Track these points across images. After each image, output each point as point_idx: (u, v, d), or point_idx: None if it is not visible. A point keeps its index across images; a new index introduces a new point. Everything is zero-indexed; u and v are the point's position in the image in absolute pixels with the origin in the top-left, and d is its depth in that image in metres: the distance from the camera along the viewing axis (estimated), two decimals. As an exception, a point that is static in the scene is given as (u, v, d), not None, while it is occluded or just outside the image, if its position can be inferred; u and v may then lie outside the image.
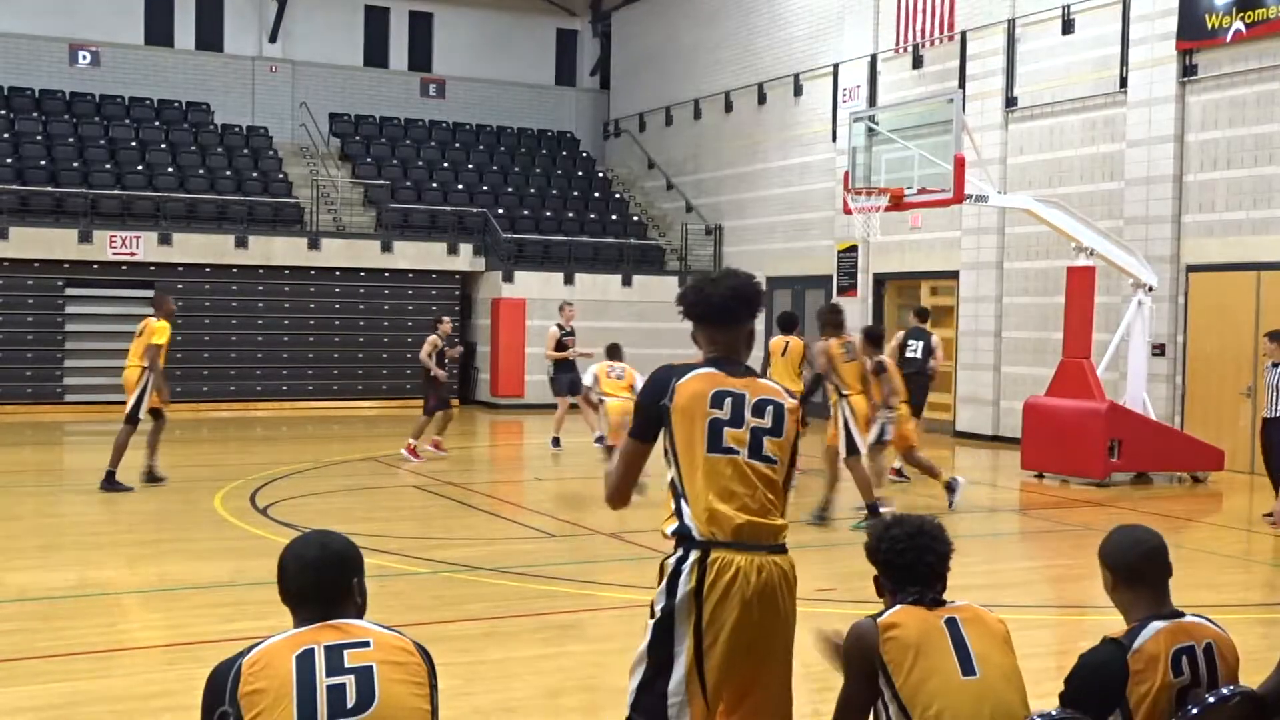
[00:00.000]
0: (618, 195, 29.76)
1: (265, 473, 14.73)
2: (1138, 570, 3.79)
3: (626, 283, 25.80)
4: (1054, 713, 3.56)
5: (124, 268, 22.88)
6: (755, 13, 26.12)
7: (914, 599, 3.65)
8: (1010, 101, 19.97)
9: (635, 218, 28.83)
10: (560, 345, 17.87)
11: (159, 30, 28.58)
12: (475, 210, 26.49)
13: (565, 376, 17.86)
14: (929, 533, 3.75)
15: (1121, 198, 18.07)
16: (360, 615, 3.21)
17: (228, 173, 25.74)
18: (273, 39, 29.37)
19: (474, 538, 11.23)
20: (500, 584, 9.21)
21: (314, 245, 24.24)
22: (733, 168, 26.75)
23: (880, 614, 3.63)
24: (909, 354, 15.50)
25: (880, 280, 22.89)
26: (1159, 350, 17.09)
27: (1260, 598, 9.82)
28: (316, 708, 2.93)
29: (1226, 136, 16.83)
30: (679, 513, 3.87)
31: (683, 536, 3.85)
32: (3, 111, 25.99)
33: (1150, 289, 15.88)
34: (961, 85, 20.00)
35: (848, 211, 16.55)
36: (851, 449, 11.49)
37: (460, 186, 27.74)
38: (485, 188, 27.96)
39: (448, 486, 14.23)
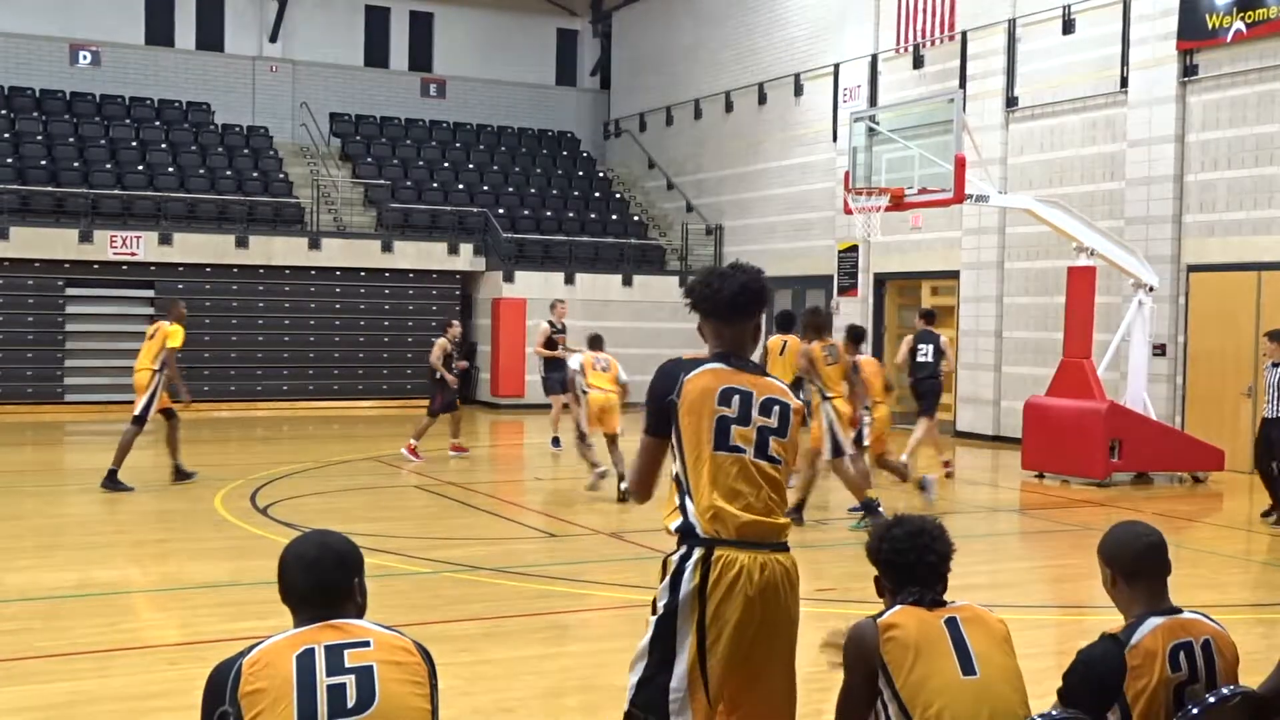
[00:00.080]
0: (618, 195, 29.76)
1: (266, 472, 14.73)
2: (1136, 567, 3.80)
3: (627, 283, 25.80)
4: (1054, 713, 3.57)
5: (124, 268, 22.89)
6: (756, 12, 26.12)
7: (914, 599, 3.65)
8: (1011, 101, 19.97)
9: (636, 217, 28.84)
10: (550, 342, 17.79)
11: (159, 30, 28.59)
12: (476, 210, 26.50)
13: (557, 375, 17.84)
14: (930, 533, 3.75)
15: (1122, 198, 18.07)
16: (360, 615, 3.21)
17: (228, 173, 25.74)
18: (273, 39, 29.38)
19: (474, 538, 11.22)
20: (500, 584, 9.21)
21: (314, 245, 24.25)
22: (733, 167, 26.75)
23: (880, 614, 3.64)
24: (920, 358, 15.46)
25: (881, 280, 22.89)
26: (1159, 350, 17.09)
27: (1260, 598, 9.82)
28: (317, 707, 2.93)
29: (1227, 136, 16.83)
30: (683, 509, 3.88)
31: (686, 533, 3.86)
32: (3, 111, 26.00)
33: (1151, 289, 15.88)
34: (962, 85, 20.01)
35: (848, 211, 16.56)
36: (836, 451, 11.47)
37: (461, 186, 27.75)
38: (486, 188, 27.96)
39: (448, 486, 14.23)
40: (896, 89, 21.99)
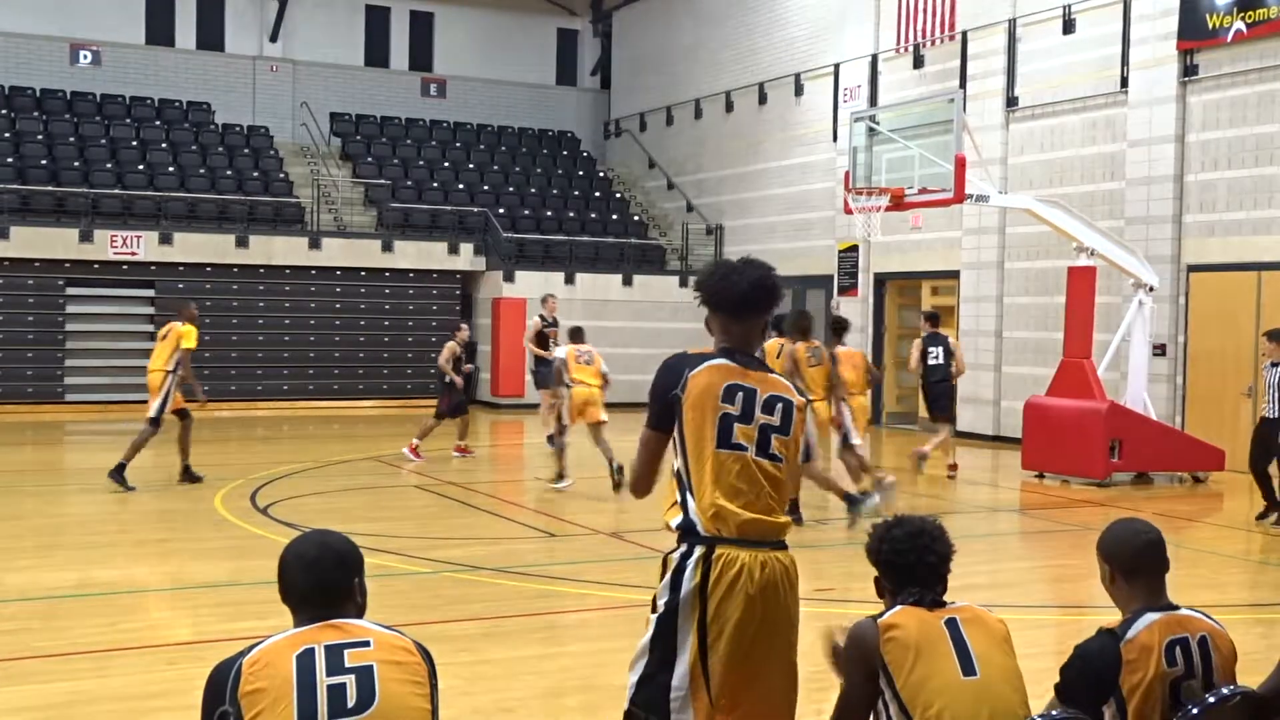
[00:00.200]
0: (618, 195, 29.76)
1: (266, 472, 14.73)
2: (1135, 564, 3.83)
3: (627, 282, 25.80)
4: (1055, 713, 3.57)
5: (125, 267, 22.90)
6: (756, 12, 26.12)
7: (914, 600, 3.65)
8: (1011, 101, 19.97)
9: (636, 217, 28.84)
10: (542, 337, 17.74)
11: (160, 30, 28.59)
12: (476, 210, 26.50)
13: (547, 370, 17.84)
14: (930, 534, 3.75)
15: (1122, 198, 18.07)
16: (360, 615, 3.21)
17: (229, 172, 25.75)
18: (273, 39, 29.38)
19: (474, 537, 11.23)
20: (500, 584, 9.21)
21: (315, 245, 24.25)
22: (733, 167, 26.76)
23: (881, 614, 3.64)
24: (931, 361, 15.46)
25: (881, 280, 22.90)
26: (1160, 350, 17.09)
27: (1260, 598, 9.81)
28: (317, 707, 2.93)
29: (1227, 136, 16.83)
30: (683, 506, 3.87)
31: (687, 531, 3.86)
32: (4, 111, 26.00)
33: (1151, 289, 15.88)
34: (962, 85, 20.01)
35: (848, 211, 16.56)
36: (807, 455, 11.44)
37: (461, 186, 27.75)
38: (486, 187, 27.97)
39: (448, 486, 14.23)
40: (897, 89, 21.99)
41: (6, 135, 25.09)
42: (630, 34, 31.30)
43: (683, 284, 25.70)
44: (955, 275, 20.99)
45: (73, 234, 22.45)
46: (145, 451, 13.60)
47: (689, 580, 3.79)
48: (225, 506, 12.28)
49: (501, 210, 26.86)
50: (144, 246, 22.82)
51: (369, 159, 28.01)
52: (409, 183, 27.47)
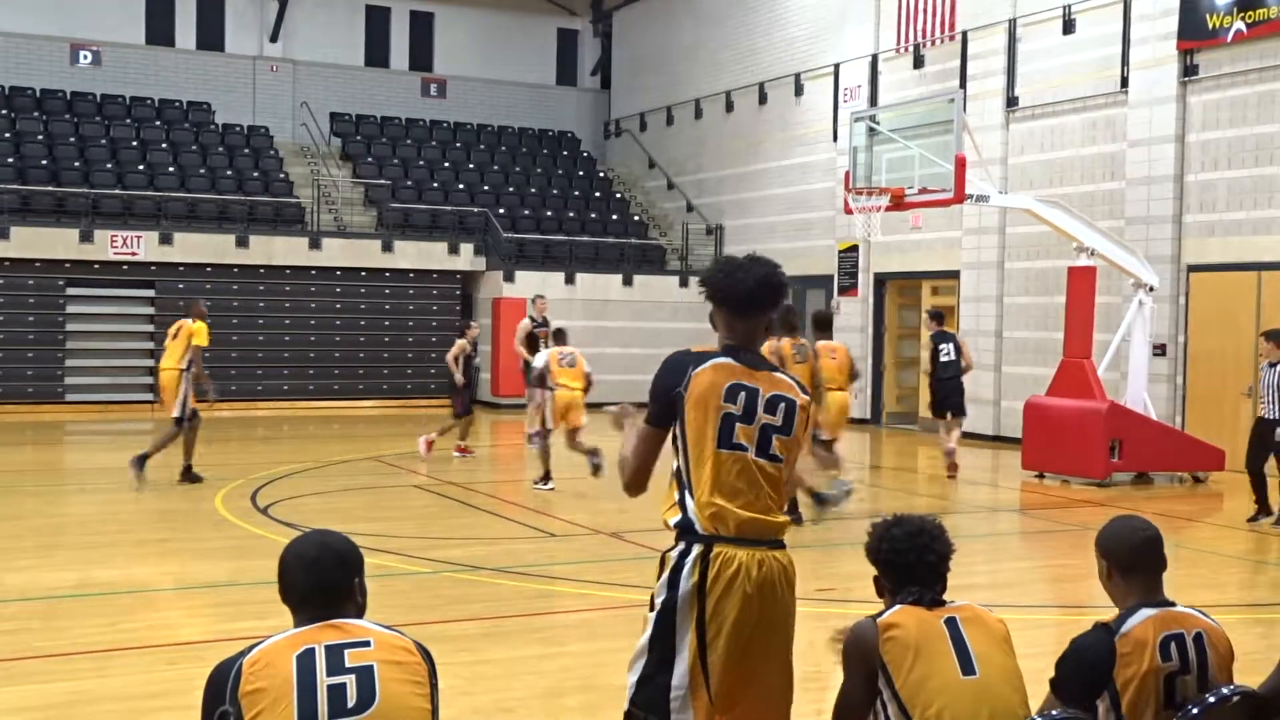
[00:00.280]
0: (618, 195, 29.77)
1: (266, 472, 14.74)
2: (1132, 560, 3.84)
3: (627, 282, 25.80)
4: (1055, 713, 3.57)
5: (125, 267, 22.90)
6: (756, 12, 26.12)
7: (914, 599, 3.65)
8: (1011, 101, 19.97)
9: (636, 217, 28.84)
10: (532, 338, 17.73)
11: (160, 30, 28.59)
12: (476, 210, 26.50)
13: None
14: (929, 533, 3.75)
15: (1122, 198, 18.07)
16: (361, 615, 3.21)
17: (229, 172, 25.75)
18: (274, 39, 29.38)
19: (474, 537, 11.23)
20: (500, 584, 9.21)
21: (315, 245, 24.25)
22: (734, 167, 26.76)
23: (880, 614, 3.64)
24: (944, 358, 15.48)
25: (881, 280, 22.90)
26: (1160, 350, 17.09)
27: (1260, 597, 9.81)
28: (317, 707, 2.93)
29: (1227, 136, 16.83)
30: (682, 504, 3.87)
31: (685, 529, 3.85)
32: (4, 111, 26.01)
33: (1151, 289, 15.88)
34: (962, 85, 20.01)
35: (848, 211, 16.56)
36: None
37: (461, 186, 27.75)
38: (486, 187, 27.97)
39: (449, 486, 14.23)
40: (897, 89, 21.99)
41: (7, 135, 25.09)
42: (630, 34, 31.30)
43: (683, 284, 25.70)
44: (955, 275, 20.99)
45: (73, 234, 22.45)
46: (144, 451, 13.60)
47: (687, 579, 3.79)
48: (225, 506, 12.28)
49: (501, 210, 26.86)
50: (144, 247, 22.82)
51: (369, 159, 28.01)
52: (409, 183, 27.47)
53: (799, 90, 24.71)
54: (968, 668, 3.51)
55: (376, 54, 30.76)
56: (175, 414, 13.54)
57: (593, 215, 28.24)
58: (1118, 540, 3.88)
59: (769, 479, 3.87)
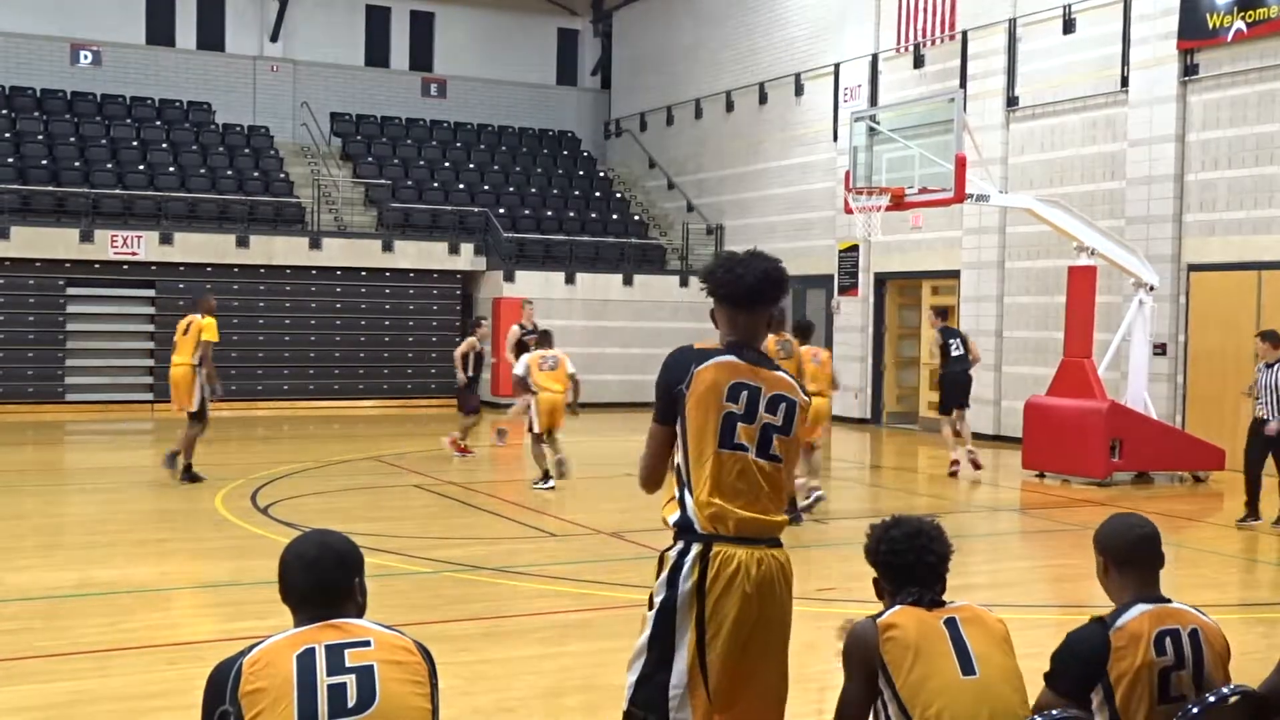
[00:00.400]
0: (619, 195, 29.77)
1: (266, 472, 14.74)
2: (1129, 556, 3.87)
3: (627, 282, 25.80)
4: (1056, 713, 3.57)
5: (125, 267, 22.90)
6: (756, 12, 26.12)
7: (913, 599, 3.65)
8: (1011, 101, 19.97)
9: (636, 217, 28.85)
10: (522, 344, 17.69)
11: (160, 30, 28.60)
12: (476, 210, 26.50)
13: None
14: (928, 534, 3.75)
15: (1123, 197, 18.07)
16: (361, 615, 3.21)
17: (229, 172, 25.75)
18: (274, 39, 29.38)
19: (475, 537, 11.23)
20: (500, 584, 9.22)
21: (315, 245, 24.25)
22: (734, 167, 26.76)
23: (880, 614, 3.64)
24: (955, 353, 15.51)
25: (881, 280, 22.90)
26: (1160, 350, 17.08)
27: (1260, 597, 9.82)
28: (317, 707, 2.94)
29: (1227, 136, 16.83)
30: (681, 502, 3.86)
31: (684, 528, 3.85)
32: (4, 111, 26.01)
33: (1151, 288, 15.88)
34: (963, 85, 20.01)
35: (849, 211, 16.56)
36: None
37: (461, 186, 27.75)
38: (486, 187, 27.97)
39: (449, 486, 14.24)
40: (897, 89, 21.99)
41: (7, 135, 25.10)
42: (630, 34, 31.30)
43: (683, 284, 25.70)
44: (956, 275, 20.99)
45: (73, 234, 22.45)
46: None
47: (686, 578, 3.79)
48: (225, 506, 12.28)
49: (502, 210, 26.86)
50: (144, 246, 22.82)
51: (369, 159, 28.01)
52: (409, 183, 27.47)
53: (799, 90, 24.71)
54: (968, 668, 3.51)
55: (377, 54, 30.77)
56: (193, 409, 13.59)
57: (593, 215, 28.24)
58: (1115, 537, 3.91)
59: (768, 479, 3.87)
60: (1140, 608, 3.74)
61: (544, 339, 14.93)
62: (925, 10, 21.68)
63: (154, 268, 23.00)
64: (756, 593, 3.79)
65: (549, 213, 27.70)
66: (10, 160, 24.22)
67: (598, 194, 29.32)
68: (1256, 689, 3.74)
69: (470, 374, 16.55)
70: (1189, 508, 13.77)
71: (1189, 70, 17.27)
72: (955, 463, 15.51)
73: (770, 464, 3.87)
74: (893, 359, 23.08)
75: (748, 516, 3.81)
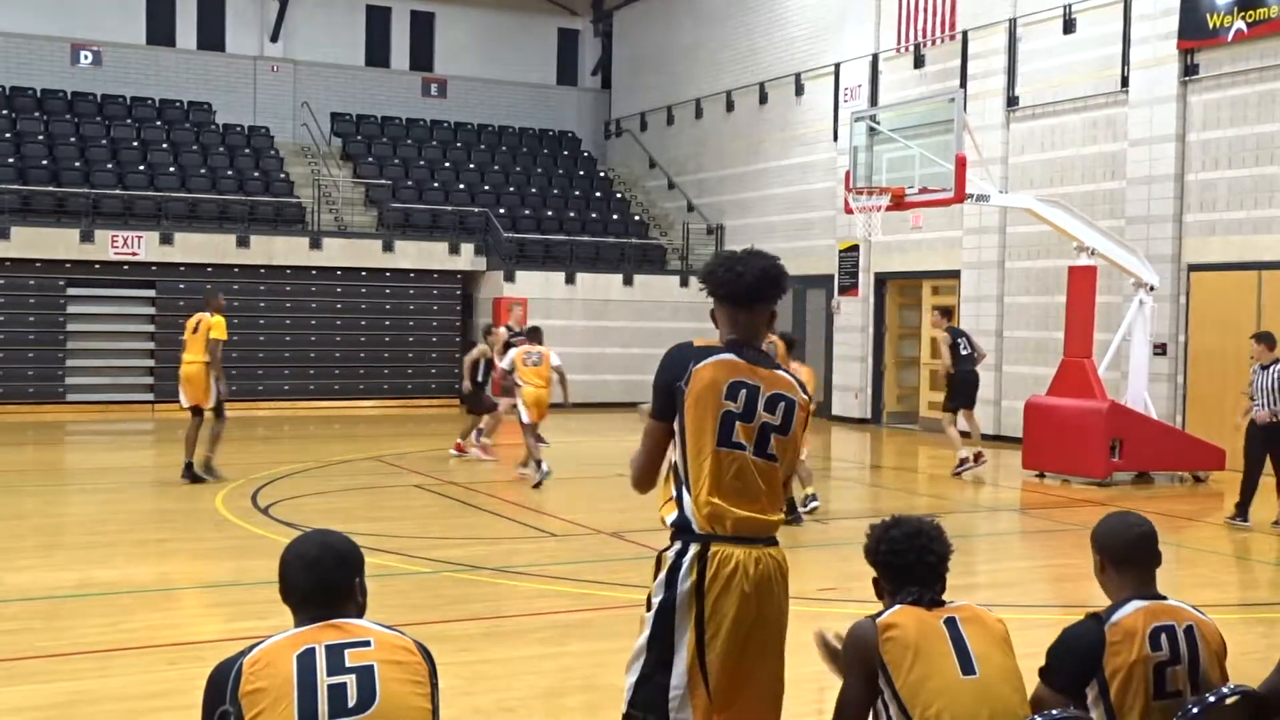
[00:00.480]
0: (619, 195, 29.77)
1: (267, 472, 14.74)
2: (1126, 555, 3.89)
3: (628, 282, 25.81)
4: (1056, 713, 3.58)
5: (126, 267, 22.90)
6: (756, 12, 26.12)
7: (913, 599, 3.66)
8: (1011, 101, 19.97)
9: (636, 217, 28.85)
10: (508, 346, 17.66)
11: (161, 30, 28.60)
12: (477, 210, 26.50)
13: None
14: (927, 533, 3.75)
15: (1123, 197, 18.07)
16: (361, 615, 3.21)
17: (229, 172, 25.75)
18: (274, 39, 29.39)
19: (475, 537, 11.23)
20: (500, 584, 9.22)
21: (316, 245, 24.26)
22: (734, 167, 26.76)
23: (879, 614, 3.64)
24: (964, 352, 15.56)
25: (881, 280, 22.90)
26: (1160, 349, 17.08)
27: (1260, 597, 9.82)
28: (317, 707, 2.94)
29: (1228, 136, 16.83)
30: (679, 502, 3.86)
31: (681, 528, 3.84)
32: (5, 111, 26.01)
33: (1152, 288, 15.88)
34: (963, 85, 20.01)
35: (849, 211, 16.56)
36: None
37: (462, 186, 27.76)
38: (487, 187, 27.97)
39: (449, 486, 14.24)
40: (897, 88, 21.99)
41: (7, 135, 25.10)
42: (631, 34, 31.30)
43: (683, 284, 25.70)
44: (956, 275, 20.99)
45: (74, 234, 22.45)
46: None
47: (685, 578, 3.78)
48: (226, 506, 12.29)
49: (502, 210, 26.86)
50: (145, 247, 22.82)
51: (370, 159, 28.01)
52: (410, 183, 27.47)
53: (799, 90, 24.71)
54: (967, 668, 3.51)
55: (377, 54, 30.77)
56: (210, 405, 13.69)
57: (593, 215, 28.24)
58: (1112, 535, 3.93)
59: (765, 478, 3.87)
60: (1135, 604, 3.76)
61: (533, 335, 15.06)
62: (925, 10, 21.69)
63: (154, 268, 23.00)
64: (755, 592, 3.79)
65: (549, 213, 27.70)
66: (10, 160, 24.22)
67: (598, 194, 29.32)
68: (1256, 689, 3.75)
69: (479, 380, 16.53)
70: (1189, 508, 13.77)
71: (1189, 70, 17.27)
72: (964, 461, 15.46)
73: (767, 463, 3.87)
74: (893, 359, 23.08)
75: (745, 516, 3.81)
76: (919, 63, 21.74)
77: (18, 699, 6.27)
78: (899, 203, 15.50)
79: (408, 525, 11.87)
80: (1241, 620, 8.22)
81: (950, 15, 21.14)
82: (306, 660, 2.99)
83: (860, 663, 3.57)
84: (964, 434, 15.97)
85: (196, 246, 23.26)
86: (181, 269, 23.18)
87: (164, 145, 26.21)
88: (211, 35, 29.10)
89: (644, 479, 4.00)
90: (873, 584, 3.84)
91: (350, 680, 2.99)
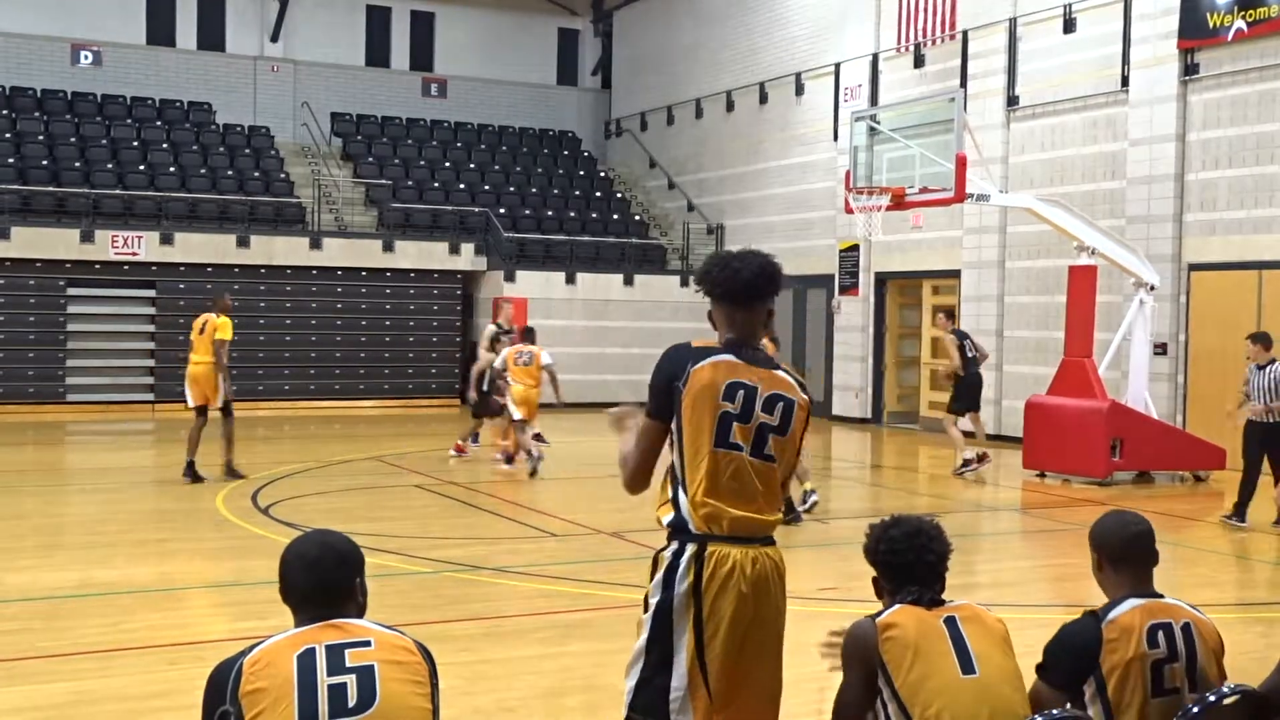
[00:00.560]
0: (619, 195, 29.77)
1: (267, 472, 14.74)
2: (1124, 553, 3.90)
3: (628, 282, 25.81)
4: (1056, 713, 3.58)
5: (126, 267, 22.90)
6: (756, 12, 26.12)
7: (913, 599, 3.66)
8: (1012, 100, 19.97)
9: (637, 217, 28.85)
10: (496, 341, 17.63)
11: (161, 30, 28.60)
12: (477, 210, 26.50)
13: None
14: (927, 533, 3.75)
15: (1123, 197, 18.07)
16: (361, 614, 3.22)
17: (230, 172, 25.76)
18: (274, 39, 29.39)
19: (475, 537, 11.23)
20: (500, 584, 9.22)
21: (316, 245, 24.26)
22: (734, 167, 26.76)
23: (879, 613, 3.64)
24: (970, 354, 15.57)
25: (882, 279, 22.90)
26: (1160, 349, 17.09)
27: (1260, 597, 9.82)
28: (318, 707, 2.94)
29: (1228, 135, 16.84)
30: (676, 502, 3.85)
31: (678, 528, 3.84)
32: (5, 111, 26.01)
33: (1152, 288, 15.88)
34: (963, 84, 20.00)
35: (849, 211, 16.57)
36: None
37: (462, 186, 27.76)
38: (487, 187, 27.97)
39: (449, 486, 14.24)
40: (897, 88, 21.99)
41: (8, 135, 25.10)
42: (631, 34, 31.30)
43: (684, 284, 25.70)
44: (956, 274, 20.99)
45: (74, 234, 22.46)
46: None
47: (682, 578, 3.78)
48: (226, 506, 12.29)
49: (502, 210, 26.86)
50: (145, 247, 22.83)
51: (370, 159, 28.01)
52: (410, 183, 27.47)
53: (799, 90, 24.71)
54: (967, 667, 3.51)
55: (377, 54, 30.77)
56: (219, 404, 13.75)
57: (593, 215, 28.24)
58: (1110, 533, 3.94)
59: (763, 479, 3.86)
60: (1132, 602, 3.77)
61: (526, 335, 15.15)
62: (925, 10, 21.68)
63: (154, 268, 23.01)
64: (752, 592, 3.78)
65: (549, 213, 27.70)
66: (11, 160, 24.23)
67: (598, 194, 29.32)
68: (1256, 688, 3.75)
69: (484, 389, 16.51)
70: (1189, 507, 13.77)
71: (1189, 70, 17.27)
72: (969, 461, 15.44)
73: (764, 464, 3.85)
74: (893, 359, 23.08)
75: (742, 516, 3.80)
76: (919, 62, 21.74)
77: (18, 699, 6.27)
78: (899, 202, 15.51)
79: (408, 525, 11.87)
80: (1240, 620, 8.23)
81: (950, 15, 21.14)
82: (307, 660, 2.99)
83: (860, 662, 3.57)
84: (968, 434, 15.97)
85: (197, 246, 23.27)
86: (182, 269, 23.19)
87: (164, 145, 26.22)
88: (211, 35, 29.10)
89: (637, 479, 3.97)
90: (872, 583, 3.84)
91: (350, 680, 2.99)
